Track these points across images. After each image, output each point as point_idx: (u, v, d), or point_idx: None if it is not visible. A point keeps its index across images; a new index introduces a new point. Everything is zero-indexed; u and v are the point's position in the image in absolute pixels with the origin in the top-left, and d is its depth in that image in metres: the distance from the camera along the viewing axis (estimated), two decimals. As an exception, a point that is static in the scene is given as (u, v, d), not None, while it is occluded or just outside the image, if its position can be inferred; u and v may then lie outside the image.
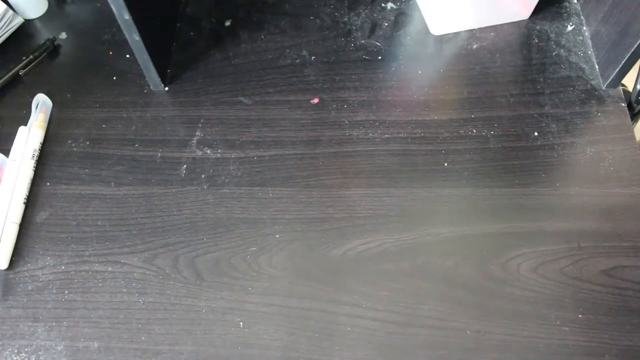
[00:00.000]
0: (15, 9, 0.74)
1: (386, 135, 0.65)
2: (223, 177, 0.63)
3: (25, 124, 0.66)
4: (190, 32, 0.74)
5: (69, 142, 0.66)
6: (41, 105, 0.68)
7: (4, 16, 0.71)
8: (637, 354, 0.53)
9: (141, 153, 0.65)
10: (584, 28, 0.72)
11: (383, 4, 0.75)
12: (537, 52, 0.70)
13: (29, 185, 0.63)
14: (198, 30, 0.75)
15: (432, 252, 0.58)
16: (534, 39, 0.72)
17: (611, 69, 0.66)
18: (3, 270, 0.58)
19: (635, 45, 0.61)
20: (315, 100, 0.68)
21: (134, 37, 0.62)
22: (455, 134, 0.65)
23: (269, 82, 0.70)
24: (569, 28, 0.72)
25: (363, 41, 0.72)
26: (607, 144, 0.64)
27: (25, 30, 0.75)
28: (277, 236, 0.59)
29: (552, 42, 0.71)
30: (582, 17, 0.73)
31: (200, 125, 0.67)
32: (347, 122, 0.66)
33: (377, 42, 0.72)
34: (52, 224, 0.61)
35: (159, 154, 0.65)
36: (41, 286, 0.58)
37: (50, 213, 0.62)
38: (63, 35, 0.75)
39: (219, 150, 0.65)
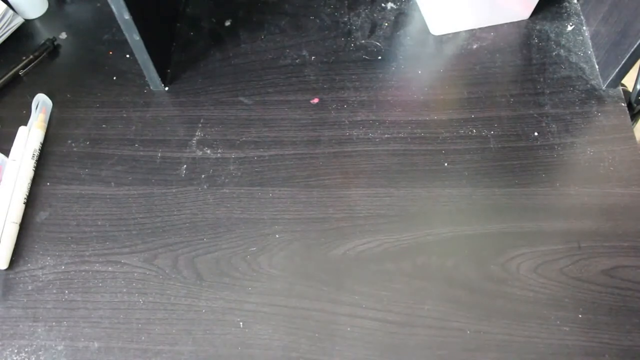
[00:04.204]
0: (15, 9, 0.74)
1: (386, 135, 0.65)
2: (223, 177, 0.63)
3: (25, 124, 0.66)
4: (190, 32, 0.74)
5: (69, 142, 0.66)
6: (41, 105, 0.68)
7: (4, 16, 0.71)
8: (637, 354, 0.53)
9: (141, 153, 0.65)
10: (584, 28, 0.72)
11: (383, 4, 0.75)
12: (537, 52, 0.70)
13: (29, 185, 0.63)
14: (198, 30, 0.75)
15: (432, 252, 0.58)
16: (534, 39, 0.72)
17: (611, 69, 0.66)
18: (3, 270, 0.58)
19: (635, 45, 0.61)
20: (315, 100, 0.68)
21: (134, 37, 0.62)
22: (455, 134, 0.65)
23: (269, 82, 0.70)
24: (569, 28, 0.72)
25: (363, 41, 0.72)
26: (607, 144, 0.64)
27: (25, 30, 0.75)
28: (277, 236, 0.59)
29: (552, 42, 0.71)
30: (582, 17, 0.73)
31: (200, 125, 0.67)
32: (347, 122, 0.66)
33: (377, 42, 0.72)
34: (52, 224, 0.61)
35: (159, 154, 0.65)
36: (41, 286, 0.58)
37: (50, 213, 0.62)
38: (63, 35, 0.75)
39: (219, 150, 0.65)
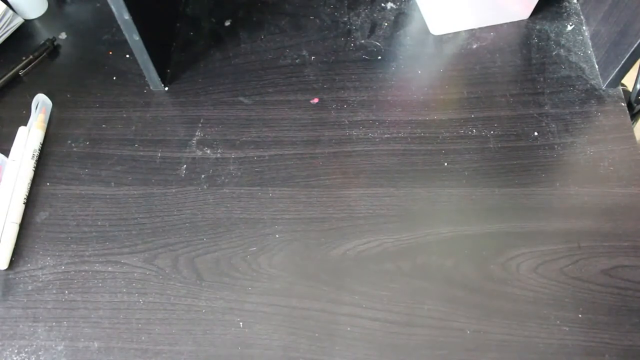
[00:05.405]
0: (15, 9, 0.74)
1: (386, 135, 0.65)
2: (223, 177, 0.63)
3: (25, 124, 0.66)
4: (190, 32, 0.74)
5: (69, 142, 0.66)
6: (41, 105, 0.68)
7: (4, 16, 0.71)
8: (637, 354, 0.53)
9: (141, 153, 0.65)
10: (584, 28, 0.72)
11: (383, 4, 0.75)
12: (537, 51, 0.70)
13: (29, 185, 0.63)
14: (198, 30, 0.75)
15: (432, 252, 0.58)
16: (533, 38, 0.72)
17: (611, 69, 0.66)
18: (3, 270, 0.58)
19: (635, 45, 0.61)
20: (315, 100, 0.68)
21: (134, 37, 0.62)
22: (455, 134, 0.65)
23: (269, 82, 0.70)
24: (569, 28, 0.72)
25: (363, 41, 0.72)
26: (607, 143, 0.64)
27: (25, 30, 0.75)
28: (277, 236, 0.59)
29: (552, 42, 0.71)
30: (582, 16, 0.73)
31: (200, 125, 0.67)
32: (347, 122, 0.66)
33: (377, 42, 0.72)
34: (52, 224, 0.61)
35: (159, 154, 0.65)
36: (41, 286, 0.58)
37: (50, 213, 0.62)
38: (63, 35, 0.75)
39: (219, 150, 0.65)
